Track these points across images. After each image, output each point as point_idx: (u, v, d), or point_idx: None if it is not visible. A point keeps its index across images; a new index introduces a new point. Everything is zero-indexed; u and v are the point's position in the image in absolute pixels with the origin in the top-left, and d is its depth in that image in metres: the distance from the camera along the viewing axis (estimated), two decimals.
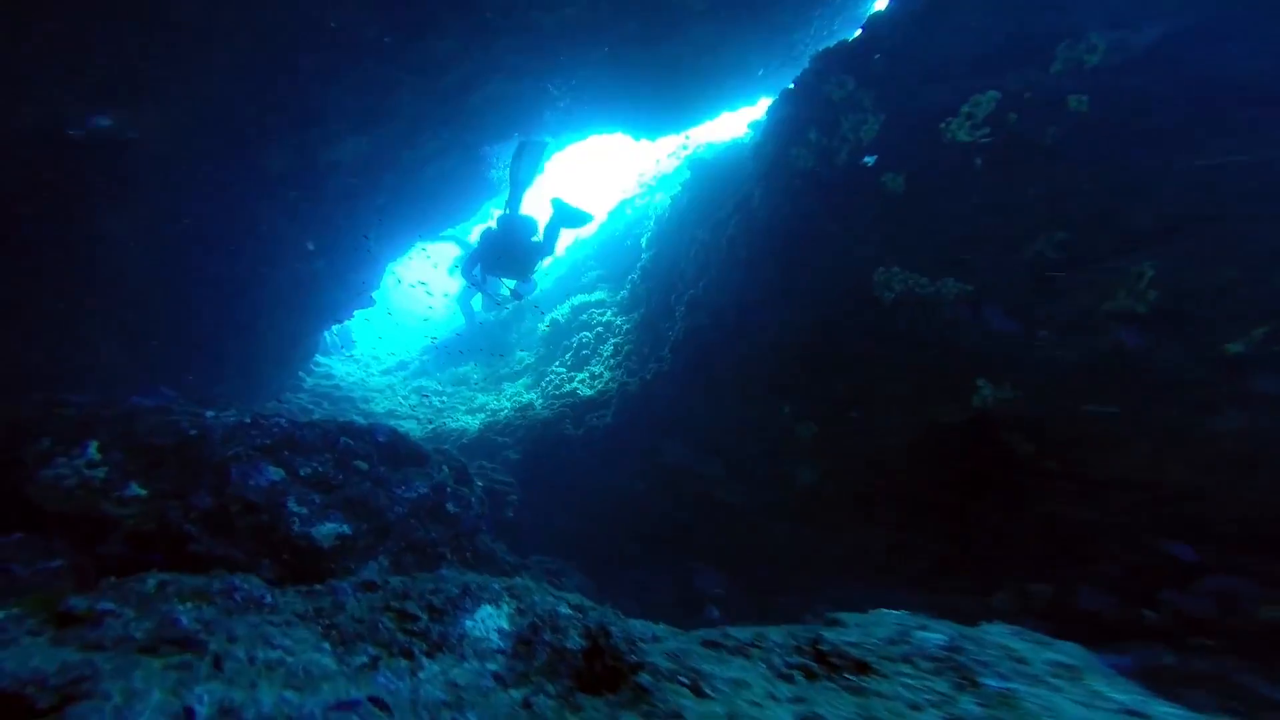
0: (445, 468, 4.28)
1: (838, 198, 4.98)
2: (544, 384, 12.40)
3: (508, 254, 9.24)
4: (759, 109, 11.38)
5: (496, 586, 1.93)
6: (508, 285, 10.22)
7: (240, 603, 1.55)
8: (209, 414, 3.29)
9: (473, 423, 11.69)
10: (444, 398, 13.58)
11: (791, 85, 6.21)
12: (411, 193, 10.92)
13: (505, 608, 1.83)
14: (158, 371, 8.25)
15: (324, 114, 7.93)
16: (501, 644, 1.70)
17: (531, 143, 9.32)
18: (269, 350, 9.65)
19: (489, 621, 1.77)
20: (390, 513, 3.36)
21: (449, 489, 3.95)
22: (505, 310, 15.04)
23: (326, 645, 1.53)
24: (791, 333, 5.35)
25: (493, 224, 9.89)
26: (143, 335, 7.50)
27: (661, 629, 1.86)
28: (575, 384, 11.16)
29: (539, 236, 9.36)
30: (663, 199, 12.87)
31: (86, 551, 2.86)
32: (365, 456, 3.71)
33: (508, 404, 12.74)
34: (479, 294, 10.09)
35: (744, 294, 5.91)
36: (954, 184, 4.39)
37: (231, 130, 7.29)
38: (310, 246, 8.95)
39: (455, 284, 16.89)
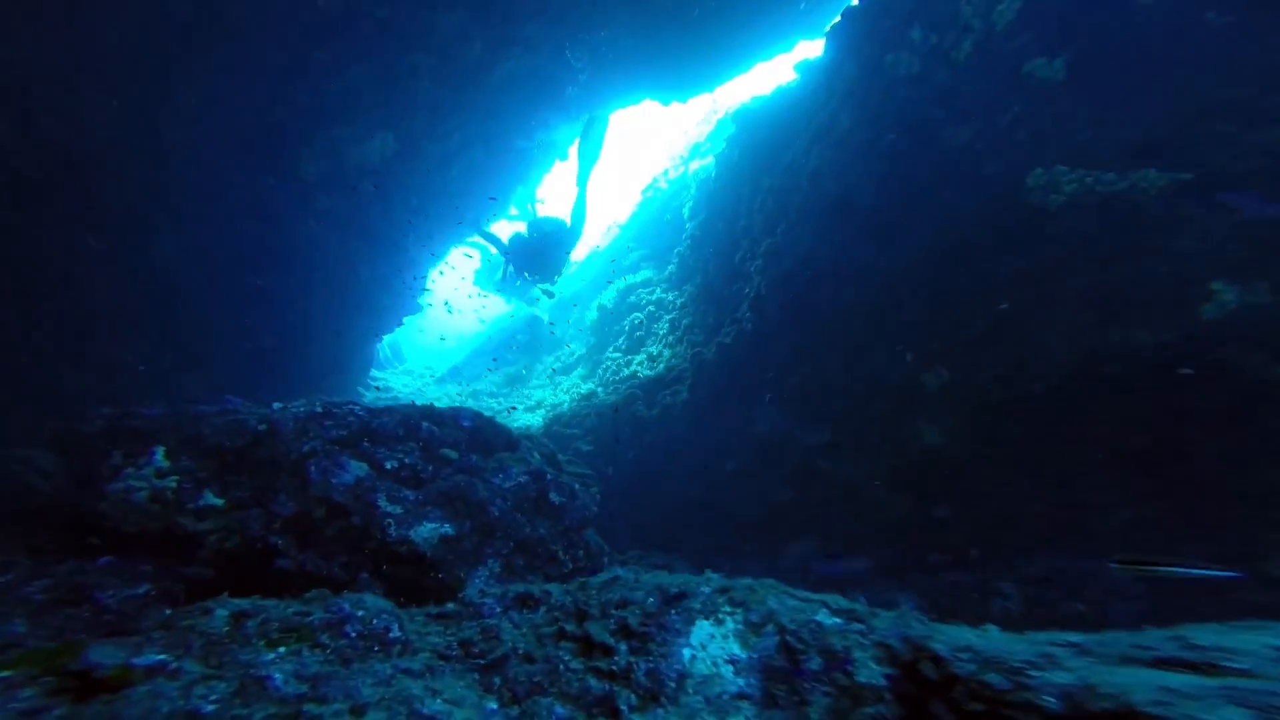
0: (537, 454, 3.75)
1: (964, 99, 4.11)
2: (600, 371, 11.89)
3: (539, 254, 9.51)
4: (794, 56, 10.40)
5: (707, 589, 1.29)
6: (541, 287, 10.43)
7: (356, 641, 0.98)
8: (275, 405, 2.85)
9: (534, 420, 11.31)
10: (501, 399, 13.30)
11: None
12: (442, 189, 10.56)
13: (729, 621, 1.19)
14: (222, 392, 8.19)
15: (346, 110, 7.59)
16: (743, 683, 1.07)
17: (597, 118, 9.24)
18: (327, 363, 9.50)
19: (713, 647, 1.14)
20: (493, 507, 2.82)
21: (549, 476, 3.39)
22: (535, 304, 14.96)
23: (493, 705, 0.93)
24: (911, 265, 4.53)
25: (522, 229, 10.26)
26: (205, 357, 7.40)
27: (994, 634, 1.17)
28: (634, 366, 10.58)
29: (566, 226, 9.42)
30: (704, 164, 12.04)
31: (174, 574, 2.42)
32: (453, 444, 3.20)
33: (566, 397, 12.31)
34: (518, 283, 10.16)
35: (838, 231, 5.12)
36: (1157, 52, 3.43)
37: (264, 138, 7.04)
38: (350, 252, 8.70)
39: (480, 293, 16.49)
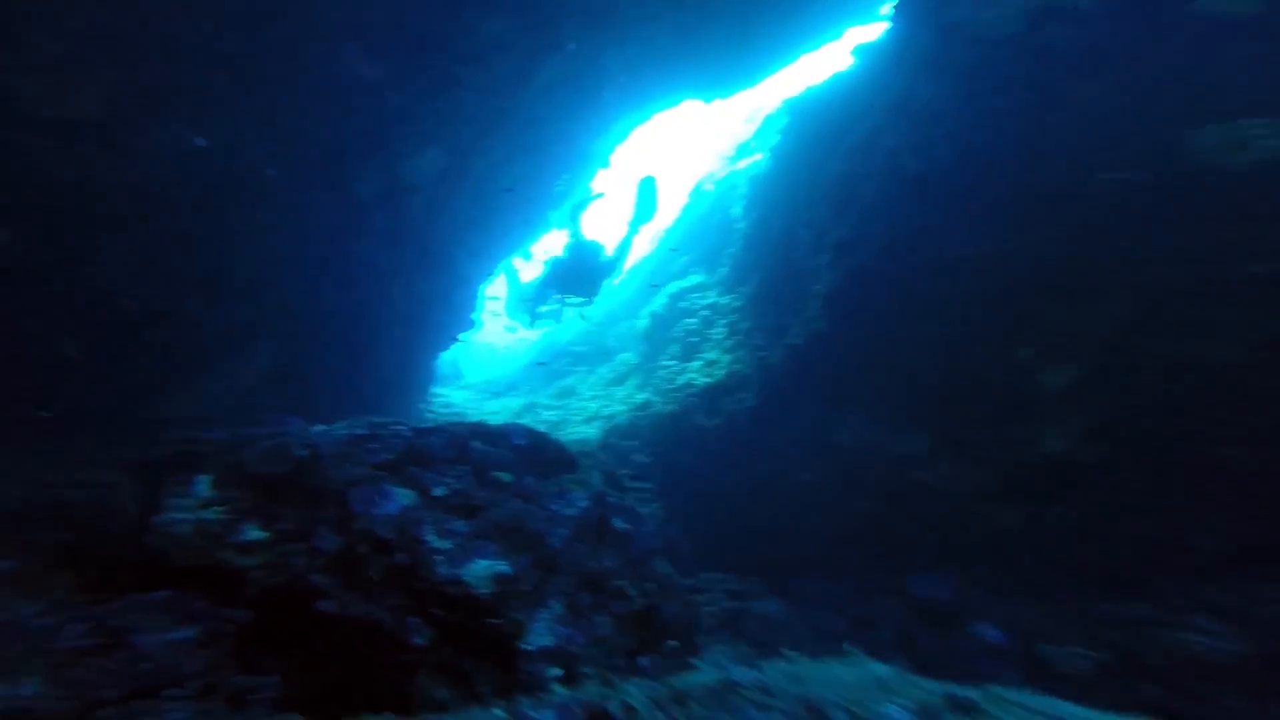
0: (597, 473, 3.38)
1: (1090, 54, 3.42)
2: (655, 381, 11.50)
3: (579, 277, 9.67)
4: (845, 45, 9.69)
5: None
6: (576, 307, 10.49)
7: None
8: (317, 429, 2.64)
9: (591, 431, 11.07)
10: (557, 412, 13.19)
11: None
12: (491, 202, 10.62)
13: None
14: (292, 414, 8.47)
15: (398, 126, 7.70)
16: None
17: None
18: (391, 380, 9.67)
19: None
20: (553, 538, 2.47)
21: (612, 500, 3.01)
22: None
23: None
24: (1026, 248, 3.83)
25: (559, 252, 10.30)
26: (279, 378, 7.64)
27: None
28: (691, 374, 10.11)
29: (608, 255, 9.59)
30: (753, 161, 11.48)
31: (220, 615, 2.20)
32: (506, 465, 2.88)
33: (621, 407, 12.01)
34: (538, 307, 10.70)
35: (924, 215, 4.48)
36: None
37: (322, 158, 7.22)
38: (405, 271, 8.83)
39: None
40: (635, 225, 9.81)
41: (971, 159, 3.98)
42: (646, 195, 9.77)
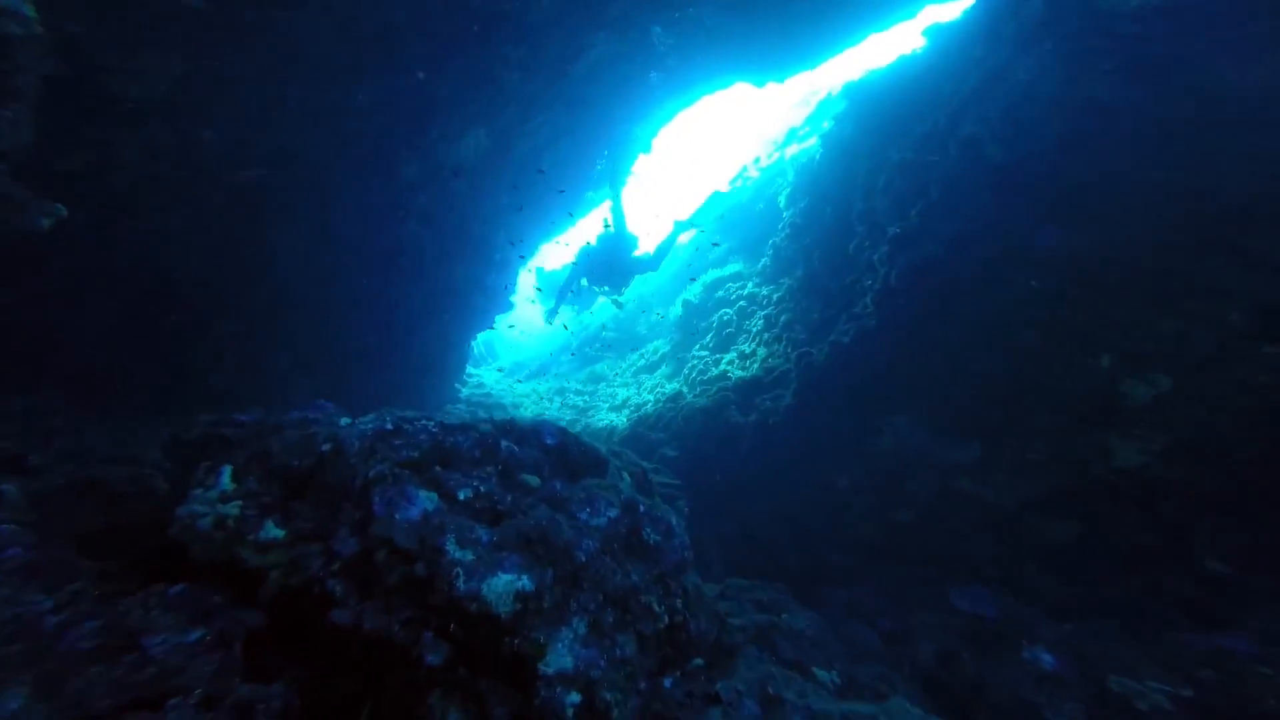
0: (626, 475, 3.19)
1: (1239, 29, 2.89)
2: (687, 371, 11.24)
3: (610, 268, 9.89)
4: (919, 24, 8.88)
5: None
6: (610, 297, 10.88)
7: None
8: (343, 421, 2.53)
9: (618, 419, 10.95)
10: (585, 397, 13.14)
11: None
12: (532, 184, 10.46)
13: None
14: (329, 392, 8.66)
15: (443, 107, 7.57)
16: None
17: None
18: (427, 361, 9.76)
19: None
20: (579, 550, 2.30)
21: (642, 508, 2.82)
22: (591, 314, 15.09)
23: None
24: (1122, 246, 3.36)
25: (592, 241, 10.58)
26: (315, 357, 7.78)
27: None
28: (724, 366, 9.79)
29: (639, 251, 9.77)
30: (803, 148, 10.88)
31: (232, 616, 2.13)
32: (534, 467, 2.72)
33: (650, 396, 11.83)
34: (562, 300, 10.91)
35: (1001, 208, 4.01)
36: None
37: (369, 139, 7.18)
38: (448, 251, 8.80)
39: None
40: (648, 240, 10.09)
41: (1073, 149, 3.49)
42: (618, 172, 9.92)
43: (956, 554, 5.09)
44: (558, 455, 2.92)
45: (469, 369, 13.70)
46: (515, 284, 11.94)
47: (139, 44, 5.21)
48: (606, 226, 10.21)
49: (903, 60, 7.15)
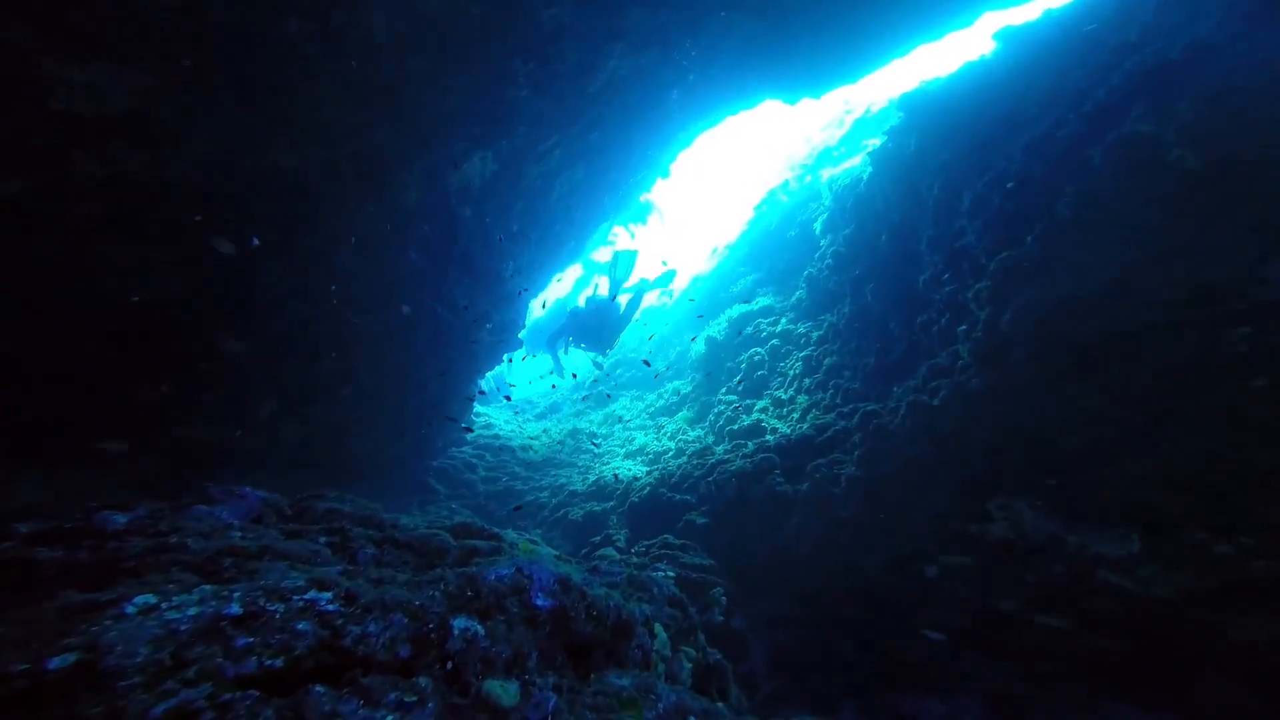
0: (683, 656, 1.96)
1: None
2: (712, 418, 9.96)
3: (595, 331, 10.16)
4: (974, 31, 7.94)
5: None
6: (593, 359, 11.16)
7: None
8: (129, 605, 1.24)
9: (635, 469, 9.66)
10: (599, 440, 11.88)
11: None
12: (542, 215, 9.56)
13: None
14: (320, 443, 7.59)
15: (444, 126, 6.72)
16: None
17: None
18: (431, 403, 8.68)
19: None
20: None
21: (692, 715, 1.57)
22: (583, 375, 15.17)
23: None
24: None
25: (581, 303, 10.80)
26: (303, 402, 6.74)
27: None
28: (757, 415, 8.50)
29: (621, 311, 9.96)
30: (847, 168, 9.84)
31: None
32: (512, 660, 1.51)
33: (671, 444, 10.53)
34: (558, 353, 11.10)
35: (1191, 231, 2.78)
36: None
37: (365, 161, 6.31)
38: (455, 287, 7.83)
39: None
40: (616, 289, 10.21)
41: None
42: (621, 267, 10.20)
43: (1095, 656, 3.68)
44: (555, 626, 1.69)
45: (476, 407, 12.60)
46: (525, 319, 10.94)
47: (88, 52, 4.41)
48: (596, 290, 10.56)
49: (969, 67, 6.11)
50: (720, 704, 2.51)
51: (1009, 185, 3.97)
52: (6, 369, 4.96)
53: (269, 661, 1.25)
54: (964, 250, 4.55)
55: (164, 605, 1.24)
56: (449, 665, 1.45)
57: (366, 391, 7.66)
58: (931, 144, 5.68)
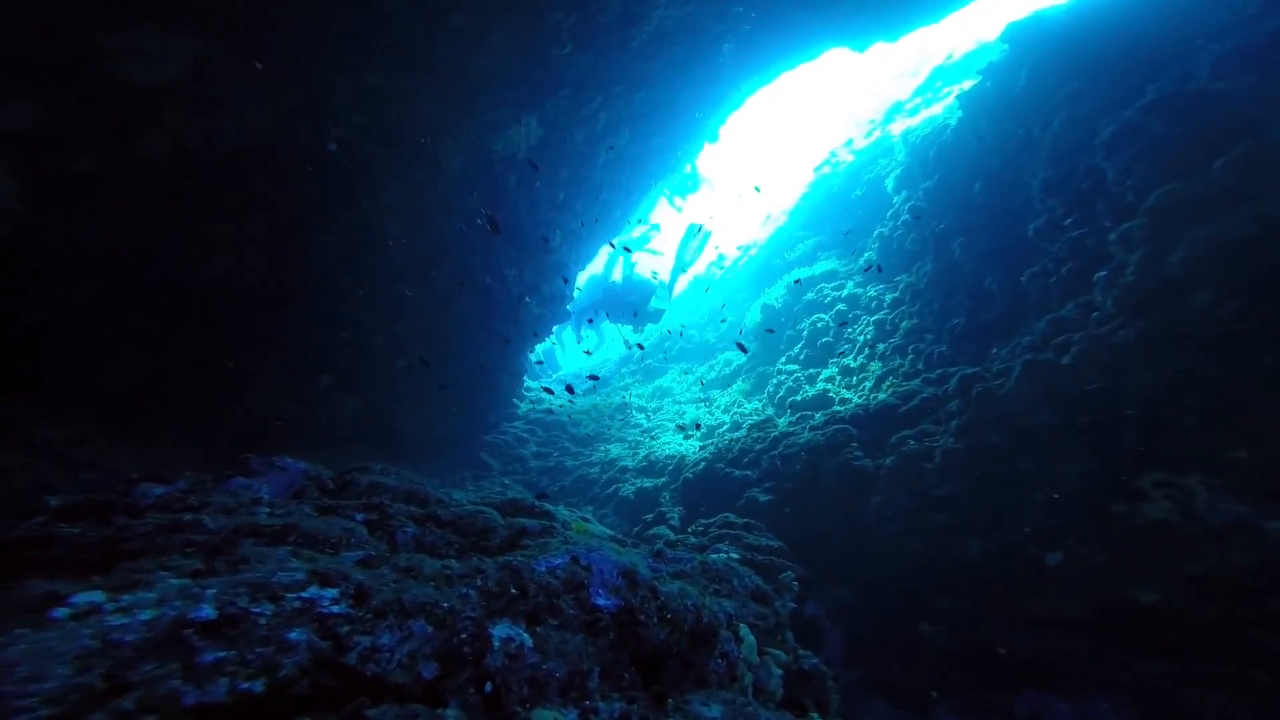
0: (746, 631, 1.53)
1: None
2: (771, 388, 9.32)
3: (629, 307, 10.15)
4: None
5: None
6: (625, 337, 11.24)
7: None
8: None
9: (687, 445, 9.25)
10: (648, 414, 11.54)
11: None
12: (587, 182, 9.07)
13: None
14: (377, 414, 7.66)
15: (487, 89, 6.31)
16: None
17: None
18: (480, 376, 8.59)
19: None
20: None
21: None
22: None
23: None
24: None
25: (616, 277, 10.54)
26: (358, 374, 6.76)
27: None
28: (822, 384, 7.80)
29: (656, 301, 10.06)
30: (928, 116, 8.66)
31: None
32: (567, 680, 1.13)
33: (726, 417, 10.01)
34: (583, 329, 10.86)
35: None
36: None
37: (409, 129, 6.06)
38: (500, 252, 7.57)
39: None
40: (679, 268, 9.81)
41: None
42: (692, 242, 9.78)
43: (1234, 650, 2.94)
44: (620, 632, 1.28)
45: (527, 382, 12.55)
46: (573, 291, 10.61)
47: (136, 17, 4.30)
48: (627, 266, 10.19)
49: None
50: (816, 715, 2.08)
51: (1180, 105, 3.07)
52: (91, 346, 5.14)
53: (244, 685, 0.91)
54: (1097, 190, 3.67)
55: (109, 606, 0.91)
56: (487, 688, 1.08)
57: (413, 363, 7.60)
58: (1051, 76, 4.66)
